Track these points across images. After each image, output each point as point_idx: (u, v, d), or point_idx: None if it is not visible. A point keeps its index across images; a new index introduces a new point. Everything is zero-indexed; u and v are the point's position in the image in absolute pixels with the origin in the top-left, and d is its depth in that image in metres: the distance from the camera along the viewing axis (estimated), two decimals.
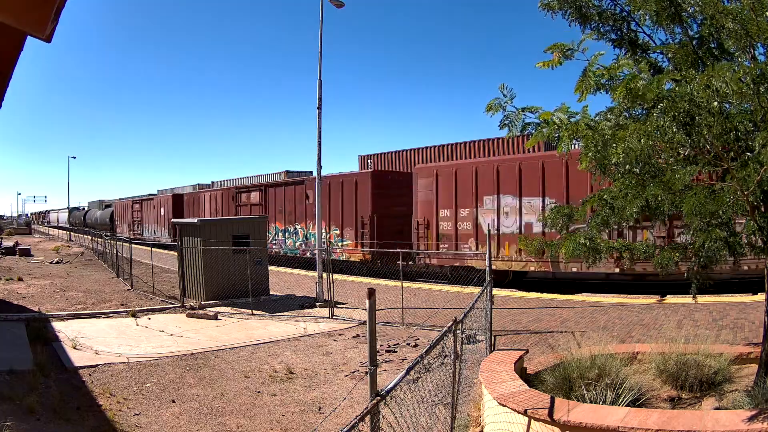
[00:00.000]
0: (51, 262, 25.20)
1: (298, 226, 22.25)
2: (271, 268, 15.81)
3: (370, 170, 21.04)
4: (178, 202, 31.74)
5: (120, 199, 43.00)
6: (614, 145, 3.88)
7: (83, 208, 51.86)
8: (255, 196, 25.18)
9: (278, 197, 23.43)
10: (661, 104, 3.76)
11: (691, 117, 3.67)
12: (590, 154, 4.26)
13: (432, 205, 16.74)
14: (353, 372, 7.91)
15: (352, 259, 19.48)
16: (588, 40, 4.98)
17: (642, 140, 3.67)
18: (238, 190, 26.73)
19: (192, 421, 6.20)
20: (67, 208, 54.85)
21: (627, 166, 3.94)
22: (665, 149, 4.14)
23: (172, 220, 20.68)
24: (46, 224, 67.07)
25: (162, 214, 32.59)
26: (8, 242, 34.35)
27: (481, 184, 15.57)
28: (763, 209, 4.33)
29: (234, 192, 26.61)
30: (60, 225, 56.03)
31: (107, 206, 45.75)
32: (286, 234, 22.82)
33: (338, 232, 20.31)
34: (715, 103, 3.57)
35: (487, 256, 9.12)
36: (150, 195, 38.36)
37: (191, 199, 30.91)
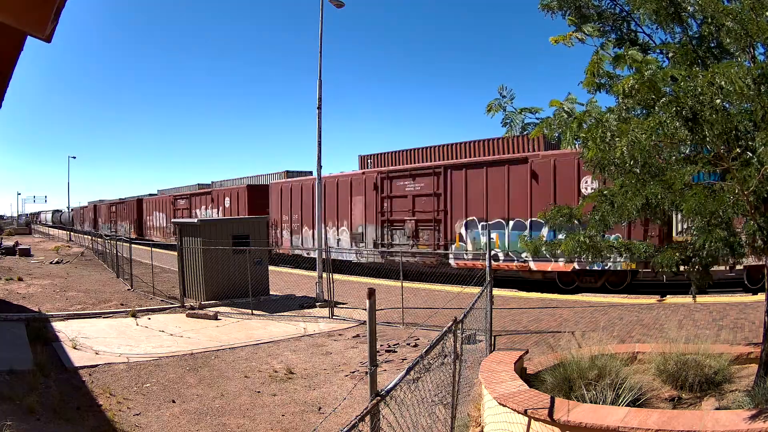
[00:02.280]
0: (51, 262, 25.19)
1: (121, 223, 42.24)
2: (271, 268, 15.82)
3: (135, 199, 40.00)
4: (95, 209, 51.60)
5: (80, 205, 63.95)
6: (617, 138, 3.86)
7: (60, 211, 70.69)
8: (114, 208, 44.61)
9: (107, 210, 46.97)
10: (663, 99, 3.75)
11: (694, 113, 3.66)
12: (595, 148, 4.21)
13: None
14: (353, 372, 7.90)
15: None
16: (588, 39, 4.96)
17: (644, 135, 3.66)
18: (110, 203, 47.20)
19: (192, 421, 6.20)
20: (51, 210, 77.76)
21: (631, 162, 3.92)
22: (666, 145, 4.12)
23: (172, 221, 22.51)
24: (38, 223, 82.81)
25: (90, 216, 53.59)
26: (8, 242, 34.36)
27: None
28: (763, 209, 4.33)
29: (109, 204, 47.31)
30: (46, 223, 75.30)
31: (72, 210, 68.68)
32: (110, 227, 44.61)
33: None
34: (718, 101, 3.56)
35: (487, 256, 9.12)
36: (90, 202, 58.29)
37: (99, 207, 50.73)
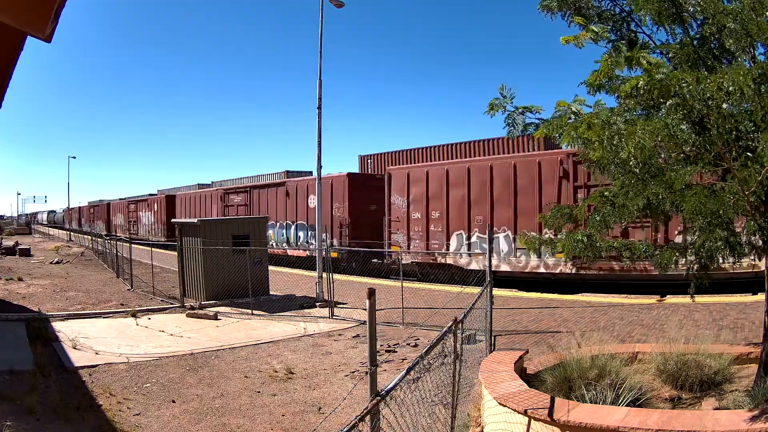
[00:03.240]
0: (51, 262, 25.20)
1: (96, 222, 50.11)
2: (271, 268, 15.82)
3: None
4: (79, 210, 59.13)
5: (80, 204, 68.11)
6: (623, 141, 3.84)
7: (54, 212, 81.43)
8: (92, 210, 53.58)
9: (87, 211, 55.99)
10: (670, 101, 3.74)
11: (701, 117, 3.65)
12: (601, 149, 4.18)
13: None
14: (353, 372, 7.91)
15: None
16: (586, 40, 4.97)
17: (649, 137, 3.65)
18: (90, 206, 55.83)
19: (192, 421, 6.21)
20: (46, 211, 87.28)
21: (632, 163, 3.91)
22: (670, 147, 4.11)
23: (172, 221, 24.30)
24: (36, 223, 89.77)
25: (76, 216, 60.43)
26: (8, 242, 34.38)
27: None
28: (763, 209, 4.33)
29: (88, 207, 55.69)
30: (42, 222, 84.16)
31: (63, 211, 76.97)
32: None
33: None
34: (725, 105, 3.56)
35: (487, 256, 9.11)
36: (90, 203, 61.72)
37: (82, 209, 58.93)
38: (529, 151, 18.21)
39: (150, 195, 40.56)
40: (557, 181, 14.08)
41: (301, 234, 22.16)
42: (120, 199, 46.67)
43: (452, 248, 15.95)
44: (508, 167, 15.00)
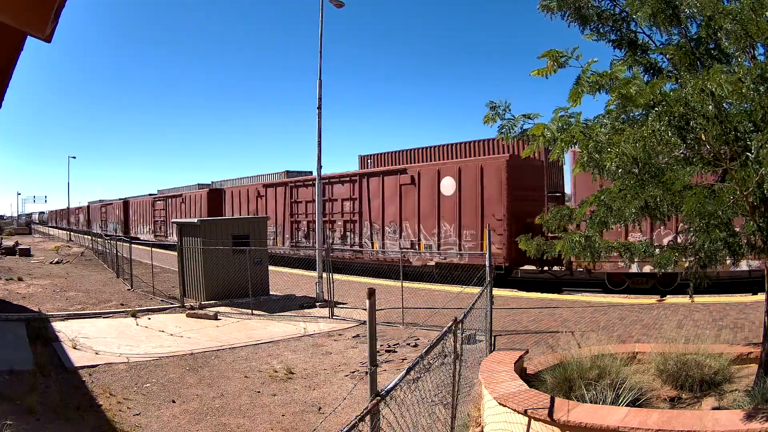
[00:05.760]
0: (51, 262, 25.20)
1: (63, 221, 68.12)
2: (271, 268, 15.82)
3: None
4: (55, 213, 72.18)
5: (79, 204, 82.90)
6: (609, 150, 3.88)
7: (44, 213, 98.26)
8: (61, 212, 68.53)
9: (60, 213, 73.25)
10: (657, 108, 3.75)
11: (686, 121, 3.66)
12: (584, 160, 4.26)
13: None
14: (353, 372, 7.91)
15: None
16: (587, 41, 4.99)
17: (637, 144, 3.67)
18: (60, 210, 69.69)
19: (192, 421, 6.21)
20: (38, 212, 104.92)
21: (621, 170, 3.95)
22: (662, 152, 4.13)
23: (173, 221, 25.13)
24: (31, 221, 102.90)
25: (54, 217, 73.60)
26: (8, 242, 34.38)
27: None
28: (762, 209, 4.33)
29: (59, 210, 70.99)
30: (36, 221, 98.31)
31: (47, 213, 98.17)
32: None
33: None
34: (710, 107, 3.56)
35: (487, 255, 9.11)
36: (90, 202, 71.24)
37: (57, 211, 72.43)
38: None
39: (90, 203, 57.88)
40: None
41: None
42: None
43: None
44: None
